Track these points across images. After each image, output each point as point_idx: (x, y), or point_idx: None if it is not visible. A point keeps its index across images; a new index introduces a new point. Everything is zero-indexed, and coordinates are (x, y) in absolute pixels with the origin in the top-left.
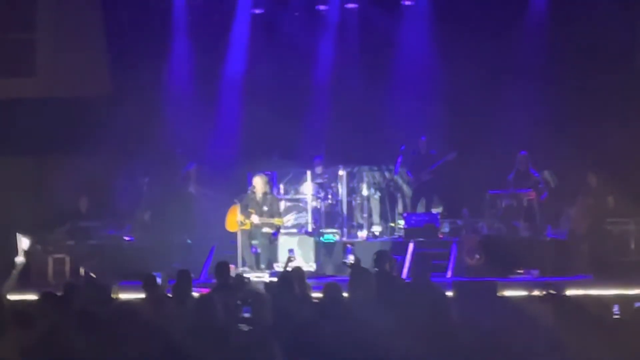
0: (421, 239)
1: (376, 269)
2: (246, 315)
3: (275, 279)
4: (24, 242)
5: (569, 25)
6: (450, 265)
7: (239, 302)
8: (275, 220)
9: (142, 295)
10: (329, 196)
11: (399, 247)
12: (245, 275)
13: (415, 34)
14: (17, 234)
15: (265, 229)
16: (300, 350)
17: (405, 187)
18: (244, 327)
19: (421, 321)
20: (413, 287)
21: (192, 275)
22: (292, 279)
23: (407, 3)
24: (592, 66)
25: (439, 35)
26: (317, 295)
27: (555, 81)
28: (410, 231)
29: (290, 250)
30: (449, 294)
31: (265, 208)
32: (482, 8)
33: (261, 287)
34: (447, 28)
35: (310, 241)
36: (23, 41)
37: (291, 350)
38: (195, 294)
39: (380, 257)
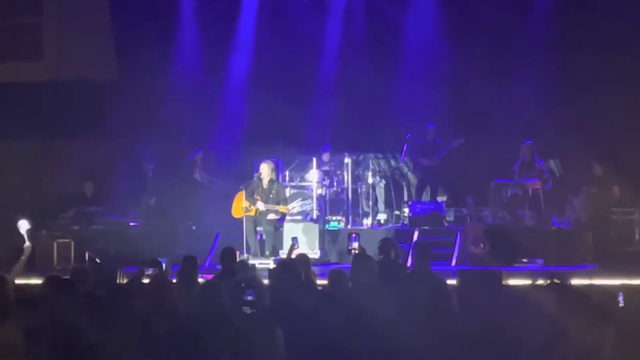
0: (426, 227)
1: (381, 256)
2: (249, 298)
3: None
4: (25, 226)
5: (576, 13)
6: (455, 254)
7: (242, 284)
8: (281, 208)
9: (146, 281)
10: (334, 184)
11: (404, 235)
12: (250, 262)
13: (421, 21)
14: (21, 219)
15: (271, 216)
16: (304, 336)
17: (410, 175)
18: (247, 310)
19: (423, 309)
20: (413, 275)
21: (197, 261)
22: (297, 265)
23: None
24: (599, 54)
25: (445, 23)
26: (321, 282)
27: (561, 70)
28: (415, 219)
29: (294, 239)
30: (453, 282)
31: (271, 195)
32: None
33: (265, 274)
34: (453, 16)
35: (315, 228)
36: (30, 25)
37: (294, 336)
38: (201, 280)
39: (385, 244)
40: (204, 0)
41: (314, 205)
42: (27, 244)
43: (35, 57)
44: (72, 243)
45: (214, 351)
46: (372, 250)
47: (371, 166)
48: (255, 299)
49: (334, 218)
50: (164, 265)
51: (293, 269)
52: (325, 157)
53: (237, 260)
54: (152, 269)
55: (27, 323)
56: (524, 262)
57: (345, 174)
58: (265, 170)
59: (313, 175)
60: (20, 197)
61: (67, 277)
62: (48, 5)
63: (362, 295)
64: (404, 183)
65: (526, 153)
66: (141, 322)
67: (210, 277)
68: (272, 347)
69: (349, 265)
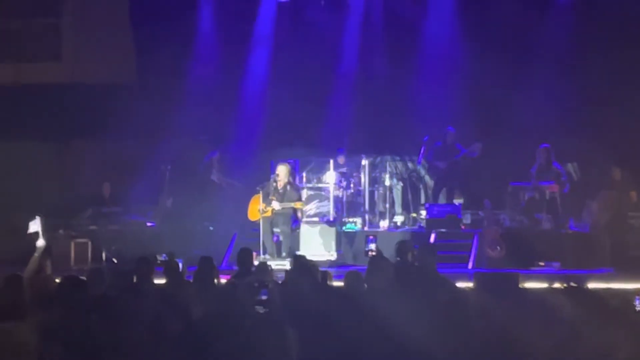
0: (443, 230)
1: (398, 258)
2: (263, 297)
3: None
4: (38, 225)
5: (595, 14)
6: (472, 257)
7: (256, 284)
8: (296, 204)
9: (163, 281)
10: (351, 185)
11: (421, 237)
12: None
13: (440, 22)
14: (37, 217)
15: (285, 211)
16: (319, 336)
17: (427, 178)
18: (260, 310)
19: (439, 311)
20: (429, 277)
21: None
22: (313, 266)
23: None
24: (619, 57)
25: (463, 24)
26: (338, 283)
27: (580, 73)
28: (432, 222)
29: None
30: (470, 285)
31: (286, 196)
32: (508, 1)
33: (282, 275)
34: (472, 18)
35: (332, 230)
36: (48, 26)
37: (310, 337)
38: (221, 281)
39: (402, 246)
40: (223, 3)
41: (331, 207)
42: (41, 242)
43: (54, 59)
44: (90, 243)
45: (230, 351)
46: (389, 253)
47: (388, 168)
48: (270, 299)
49: (350, 220)
50: (180, 265)
51: (309, 271)
52: (341, 159)
53: (256, 260)
54: (164, 255)
55: (42, 323)
56: (541, 266)
57: (362, 176)
58: (282, 171)
59: (330, 177)
60: (38, 197)
61: (84, 277)
62: (67, 7)
63: (378, 297)
64: (421, 185)
65: (543, 156)
66: (156, 323)
67: (227, 277)
68: (283, 347)
69: (366, 267)
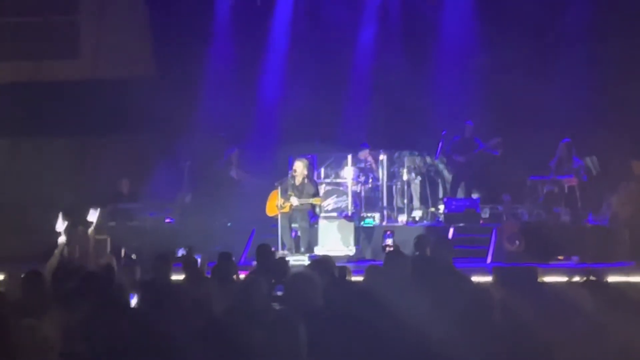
0: (461, 224)
1: (416, 253)
2: (279, 293)
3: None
4: (63, 223)
5: (615, 7)
6: (490, 251)
7: (273, 280)
8: (314, 200)
9: (182, 276)
10: (370, 180)
11: (440, 232)
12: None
13: (457, 18)
14: (60, 214)
15: (303, 206)
16: (337, 332)
17: (445, 172)
18: (276, 306)
19: (458, 306)
20: (448, 272)
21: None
22: (331, 262)
23: None
24: (638, 50)
25: (481, 18)
26: (356, 279)
27: (599, 66)
28: (451, 216)
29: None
30: (489, 279)
31: (305, 192)
32: None
33: (302, 267)
34: (489, 11)
35: (350, 225)
36: (67, 23)
37: (328, 332)
38: (240, 276)
39: (420, 241)
40: None
41: (349, 202)
42: (62, 238)
43: (72, 55)
44: (109, 239)
45: (249, 347)
46: (407, 248)
47: (406, 163)
48: (285, 295)
49: (369, 215)
50: (199, 261)
51: (327, 266)
52: (364, 154)
53: (276, 256)
54: (183, 250)
55: (65, 320)
56: (560, 260)
57: (380, 170)
58: (300, 167)
59: (348, 172)
60: (57, 194)
61: (101, 273)
62: (85, 3)
63: (397, 292)
64: (439, 180)
65: (564, 151)
66: (176, 320)
67: (245, 273)
68: (297, 344)
69: (384, 259)
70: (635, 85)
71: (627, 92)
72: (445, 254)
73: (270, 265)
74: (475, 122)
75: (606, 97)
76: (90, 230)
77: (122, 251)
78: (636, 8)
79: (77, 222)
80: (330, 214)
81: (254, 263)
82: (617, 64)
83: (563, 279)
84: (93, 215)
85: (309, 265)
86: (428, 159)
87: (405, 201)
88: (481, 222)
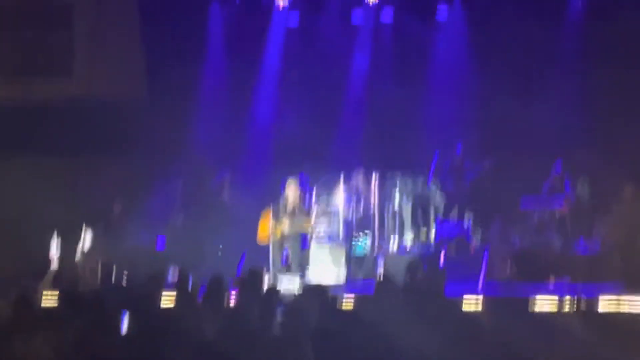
0: (452, 249)
1: (408, 278)
2: (279, 317)
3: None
4: (56, 244)
5: (605, 36)
6: (482, 275)
7: (274, 304)
8: (305, 223)
9: (173, 299)
10: (361, 205)
11: (431, 257)
12: (277, 282)
13: (449, 42)
14: (53, 235)
15: (296, 230)
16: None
17: (437, 196)
18: (277, 330)
19: (449, 333)
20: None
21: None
22: (323, 288)
23: (441, 12)
24: (629, 72)
25: (473, 44)
26: (347, 304)
27: (590, 89)
28: (442, 241)
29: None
30: (480, 306)
31: (296, 216)
32: (517, 18)
33: (293, 295)
34: (481, 34)
35: (341, 250)
36: (60, 41)
37: (319, 358)
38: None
39: (411, 266)
40: (233, 21)
41: (341, 227)
42: (55, 259)
43: (65, 74)
44: (100, 261)
45: None
46: (398, 273)
47: (398, 187)
48: (285, 320)
49: (360, 240)
50: (190, 283)
51: (319, 293)
52: (356, 177)
53: (265, 280)
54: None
55: (54, 341)
56: (551, 284)
57: (372, 194)
58: (292, 191)
59: (340, 196)
60: (49, 213)
61: (91, 294)
62: (78, 22)
63: (387, 318)
64: (431, 204)
65: (555, 175)
66: (165, 343)
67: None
68: None
69: (375, 287)
70: (626, 108)
71: (618, 115)
72: (436, 279)
73: (261, 290)
74: (466, 144)
75: (597, 120)
76: (81, 251)
77: (113, 273)
78: (627, 31)
79: (69, 242)
80: (322, 239)
81: (244, 287)
82: (608, 87)
83: (554, 304)
84: (81, 236)
85: (301, 292)
86: (420, 183)
87: (397, 225)
88: (472, 247)
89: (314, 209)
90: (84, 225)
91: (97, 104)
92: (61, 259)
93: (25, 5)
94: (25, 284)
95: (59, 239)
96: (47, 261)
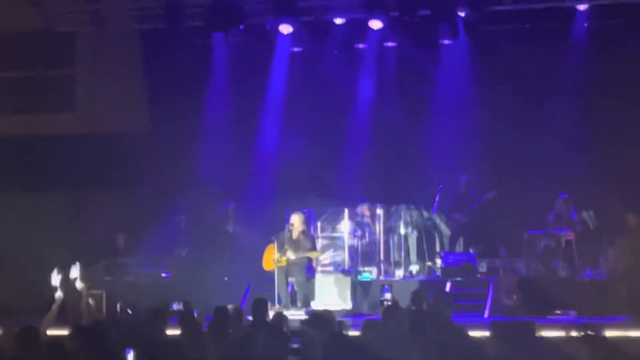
0: (459, 279)
1: (413, 307)
2: (295, 345)
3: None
4: (60, 277)
5: (609, 67)
6: (488, 305)
7: (287, 332)
8: (311, 254)
9: (178, 331)
10: (366, 235)
11: (437, 286)
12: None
13: (454, 72)
14: (55, 269)
15: (300, 260)
16: None
17: (442, 226)
18: (293, 359)
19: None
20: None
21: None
22: (330, 316)
23: (445, 42)
24: (632, 103)
25: (477, 74)
26: (354, 333)
27: (595, 120)
28: (448, 270)
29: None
30: (486, 334)
31: (301, 246)
32: (521, 48)
33: (299, 325)
34: (486, 67)
35: (347, 280)
36: (62, 77)
37: None
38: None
39: (418, 295)
40: (237, 53)
41: (346, 256)
42: (59, 293)
43: (68, 109)
44: (104, 294)
45: None
46: (404, 302)
47: (403, 217)
48: (301, 347)
49: (365, 269)
50: (195, 313)
51: (326, 321)
52: (361, 208)
53: (271, 311)
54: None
55: None
56: (557, 314)
57: (377, 225)
58: (296, 221)
59: (345, 226)
60: (52, 247)
61: (96, 328)
62: (80, 58)
63: (394, 346)
64: (436, 234)
65: (561, 206)
66: None
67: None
68: None
69: (381, 314)
70: (629, 140)
71: (621, 146)
72: (442, 308)
73: (266, 320)
74: (471, 176)
75: (601, 151)
76: (82, 286)
77: (118, 306)
78: (629, 63)
79: (72, 276)
80: (327, 268)
81: (249, 318)
82: (612, 118)
83: (560, 333)
84: (75, 271)
85: (308, 319)
86: (425, 213)
87: (403, 255)
88: (478, 276)
89: (319, 238)
90: (88, 259)
91: (101, 139)
92: (65, 293)
93: (27, 42)
94: (29, 318)
95: (63, 273)
96: (51, 295)
